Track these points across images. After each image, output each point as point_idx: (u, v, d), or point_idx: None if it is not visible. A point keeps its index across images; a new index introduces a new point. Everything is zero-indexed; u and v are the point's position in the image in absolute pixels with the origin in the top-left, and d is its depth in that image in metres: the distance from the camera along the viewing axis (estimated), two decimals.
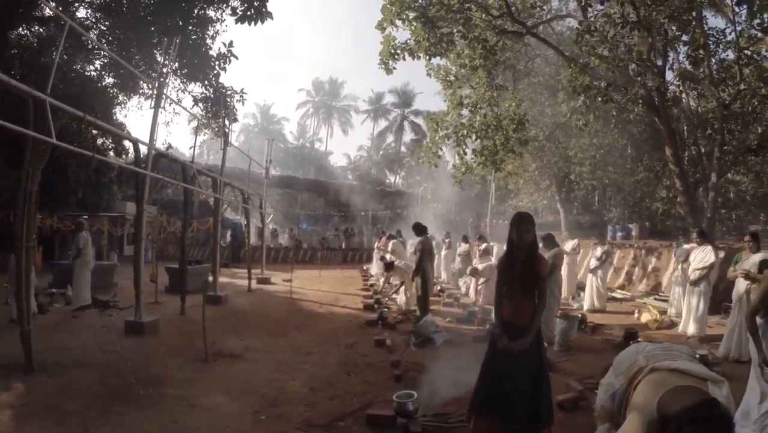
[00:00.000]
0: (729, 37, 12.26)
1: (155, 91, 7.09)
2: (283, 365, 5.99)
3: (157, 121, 7.31)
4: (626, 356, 2.79)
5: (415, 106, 52.10)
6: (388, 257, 14.57)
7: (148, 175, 7.10)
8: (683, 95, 14.23)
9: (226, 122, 11.51)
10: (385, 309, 9.21)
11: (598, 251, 11.23)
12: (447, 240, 16.62)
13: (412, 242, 14.93)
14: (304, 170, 43.12)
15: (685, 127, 15.87)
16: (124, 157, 13.86)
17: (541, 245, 8.56)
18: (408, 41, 11.50)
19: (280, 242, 28.41)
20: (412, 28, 10.73)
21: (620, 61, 11.12)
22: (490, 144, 12.53)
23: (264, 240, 16.11)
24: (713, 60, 12.50)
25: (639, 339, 7.00)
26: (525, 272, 3.54)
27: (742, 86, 11.82)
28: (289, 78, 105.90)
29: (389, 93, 52.59)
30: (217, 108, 11.37)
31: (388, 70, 11.61)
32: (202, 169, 9.63)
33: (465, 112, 12.95)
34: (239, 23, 9.54)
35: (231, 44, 11.10)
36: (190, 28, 11.00)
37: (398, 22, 11.04)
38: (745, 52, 11.71)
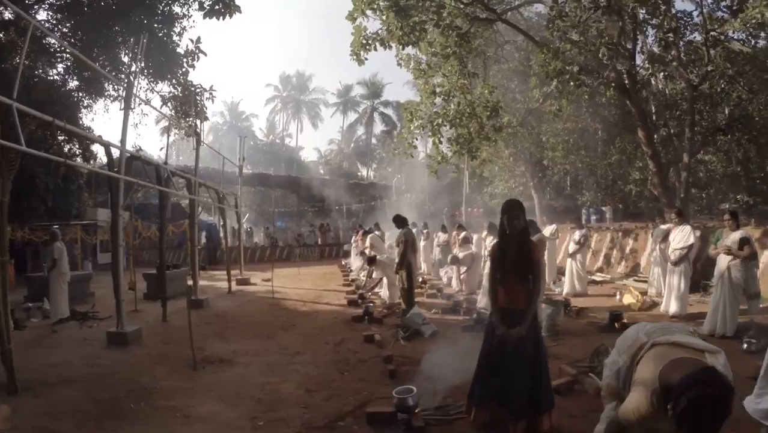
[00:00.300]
0: (696, 20, 12.50)
1: (124, 92, 6.84)
2: (274, 367, 5.91)
3: (127, 122, 7.08)
4: (628, 334, 2.85)
5: (385, 96, 52.02)
6: (367, 252, 14.65)
7: (122, 179, 6.88)
8: (652, 78, 14.47)
9: (197, 121, 11.23)
10: (370, 304, 9.20)
11: (576, 234, 11.36)
12: (425, 231, 16.69)
13: (390, 234, 15.01)
14: (276, 167, 42.56)
15: (654, 109, 16.23)
16: (92, 162, 13.41)
17: None
18: (379, 31, 11.42)
19: (255, 241, 28.10)
20: (384, 17, 10.62)
21: (591, 45, 11.25)
22: (464, 132, 12.59)
23: (241, 240, 15.85)
24: (681, 42, 12.77)
25: (624, 320, 7.17)
26: (518, 258, 3.58)
27: (709, 68, 12.09)
28: (256, 73, 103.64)
29: (358, 85, 52.31)
30: (187, 107, 11.09)
31: (360, 61, 11.51)
32: (176, 171, 9.38)
33: (438, 101, 12.96)
34: (207, 18, 9.30)
35: (199, 40, 10.77)
36: (156, 25, 10.64)
37: (369, 12, 10.93)
38: (712, 34, 11.96)
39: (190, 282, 12.59)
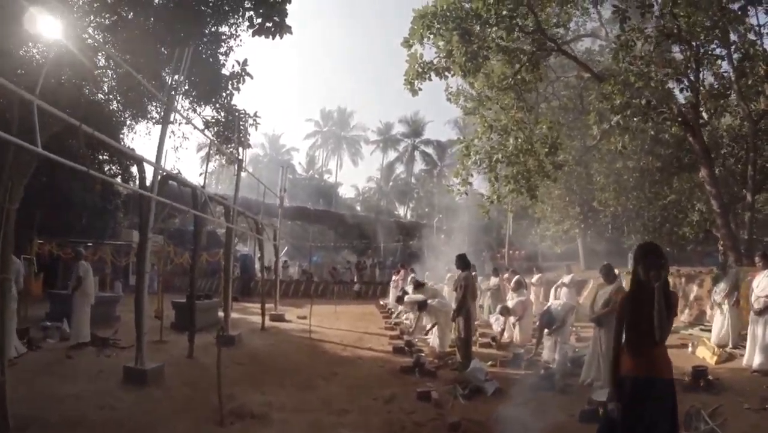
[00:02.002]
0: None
1: (164, 106, 6.21)
2: (318, 429, 4.89)
3: (165, 137, 6.45)
4: None
5: (426, 135, 51.64)
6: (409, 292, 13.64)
7: (154, 199, 6.18)
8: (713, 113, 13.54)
9: (239, 148, 10.64)
10: (421, 354, 8.08)
11: None
12: (473, 273, 15.44)
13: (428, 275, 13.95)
14: (314, 202, 42.35)
15: (713, 146, 15.12)
16: (131, 183, 13.08)
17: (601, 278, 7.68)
18: (435, 60, 10.81)
19: (290, 275, 27.38)
20: (446, 40, 10.00)
21: (658, 77, 10.45)
22: (522, 169, 11.70)
23: (278, 274, 15.05)
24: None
25: (709, 377, 6.41)
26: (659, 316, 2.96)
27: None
28: (298, 107, 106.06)
29: (399, 123, 52.33)
30: (230, 132, 10.54)
31: (414, 91, 10.99)
32: (214, 196, 8.70)
33: (494, 137, 12.18)
34: (256, 36, 8.73)
35: (245, 62, 10.27)
36: (201, 46, 10.22)
37: (426, 39, 10.35)
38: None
39: (221, 313, 11.86)
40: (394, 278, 19.80)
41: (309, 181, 50.06)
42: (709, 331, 10.16)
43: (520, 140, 11.40)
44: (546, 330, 8.46)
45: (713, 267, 12.82)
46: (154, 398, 5.67)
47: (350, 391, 6.36)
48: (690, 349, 8.98)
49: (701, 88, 11.20)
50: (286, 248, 27.64)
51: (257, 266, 26.55)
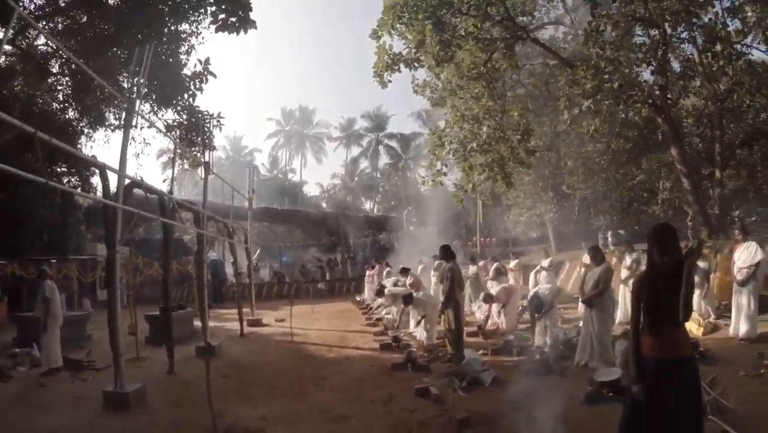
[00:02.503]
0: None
1: (125, 108, 5.74)
2: None
3: (127, 141, 5.99)
4: None
5: (389, 129, 51.37)
6: (389, 286, 13.44)
7: (119, 209, 5.72)
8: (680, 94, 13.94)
9: (206, 151, 10.15)
10: (413, 349, 7.88)
11: (627, 259, 10.30)
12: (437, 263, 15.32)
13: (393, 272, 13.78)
14: (279, 203, 41.54)
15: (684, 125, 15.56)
16: (93, 194, 12.36)
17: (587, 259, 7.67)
18: (405, 51, 10.61)
19: (261, 277, 26.77)
20: (417, 30, 9.79)
21: (632, 61, 10.60)
22: (496, 157, 11.65)
23: (251, 278, 14.57)
24: (706, 56, 12.31)
25: (701, 349, 6.49)
26: (676, 298, 2.92)
27: (732, 81, 11.88)
28: (258, 107, 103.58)
29: (361, 118, 51.86)
30: (194, 134, 10.04)
31: (383, 83, 10.78)
32: (183, 202, 8.23)
33: (465, 126, 12.08)
34: (220, 32, 8.32)
35: (207, 61, 9.80)
36: (161, 47, 9.69)
37: (396, 30, 10.12)
38: (735, 47, 11.50)
39: (197, 323, 11.37)
40: (368, 273, 19.60)
41: (273, 182, 49.05)
42: None
43: (492, 128, 11.33)
44: (536, 314, 8.43)
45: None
46: (139, 423, 5.25)
47: (345, 395, 6.10)
48: None
49: (669, 70, 11.40)
50: (258, 251, 27.01)
51: (229, 270, 25.99)
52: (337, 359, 8.38)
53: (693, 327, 8.46)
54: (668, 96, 11.88)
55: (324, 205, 52.51)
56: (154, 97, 10.38)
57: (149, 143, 11.41)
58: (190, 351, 8.64)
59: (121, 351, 5.71)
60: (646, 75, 11.49)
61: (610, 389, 5.33)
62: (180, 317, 9.78)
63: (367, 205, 53.78)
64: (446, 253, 8.13)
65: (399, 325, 10.35)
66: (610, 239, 20.42)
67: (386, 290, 10.66)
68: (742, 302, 7.62)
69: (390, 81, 10.53)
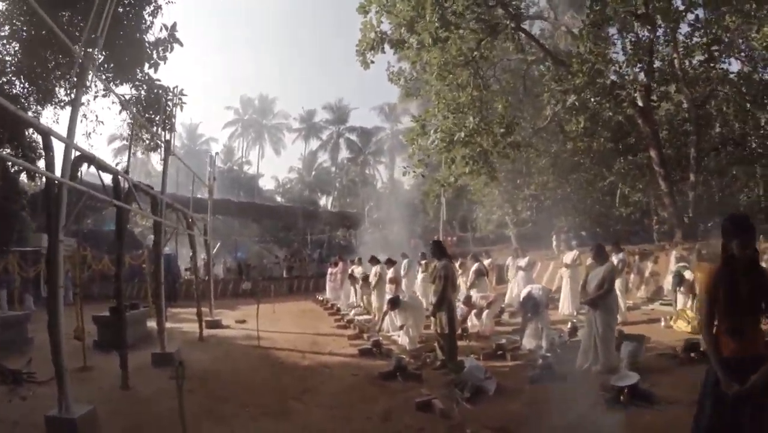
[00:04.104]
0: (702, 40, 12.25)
1: (79, 61, 4.62)
2: None
3: (78, 107, 4.92)
4: None
5: (351, 122, 50.40)
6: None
7: (65, 185, 4.65)
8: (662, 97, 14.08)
9: (166, 129, 8.98)
10: (402, 357, 7.12)
11: (614, 259, 9.96)
12: (423, 261, 14.66)
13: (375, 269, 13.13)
14: (234, 196, 39.82)
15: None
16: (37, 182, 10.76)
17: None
18: (389, 31, 9.86)
19: (215, 273, 25.36)
20: (411, 6, 9.03)
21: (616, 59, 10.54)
22: (479, 149, 11.14)
23: (211, 274, 13.39)
24: (687, 61, 12.44)
25: (701, 349, 6.25)
26: (756, 294, 2.83)
27: (710, 87, 12.27)
28: (216, 94, 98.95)
29: (323, 109, 50.60)
30: (152, 112, 8.87)
31: (366, 63, 10.02)
32: (140, 184, 7.11)
33: (450, 116, 11.51)
34: None
35: (174, 27, 8.60)
36: (121, 9, 8.42)
37: (383, 7, 9.35)
38: (714, 54, 11.79)
39: (151, 324, 10.19)
40: (331, 270, 18.78)
41: (228, 174, 46.98)
42: (669, 305, 10.36)
43: (477, 119, 10.80)
44: (529, 316, 7.93)
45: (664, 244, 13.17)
46: None
47: (335, 412, 5.28)
48: (663, 323, 9.06)
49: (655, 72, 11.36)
50: (218, 244, 25.54)
51: (183, 266, 24.44)
52: (315, 368, 7.50)
53: (682, 325, 8.55)
54: (652, 98, 11.81)
55: (279, 199, 51.09)
56: (110, 65, 9.07)
57: (102, 121, 10.01)
58: (144, 359, 7.53)
59: (66, 368, 4.60)
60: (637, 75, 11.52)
61: (629, 394, 5.01)
62: (132, 318, 8.60)
63: (323, 200, 52.77)
64: (439, 250, 7.46)
65: (380, 328, 9.61)
66: (573, 240, 20.59)
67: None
68: None
69: (373, 62, 9.79)
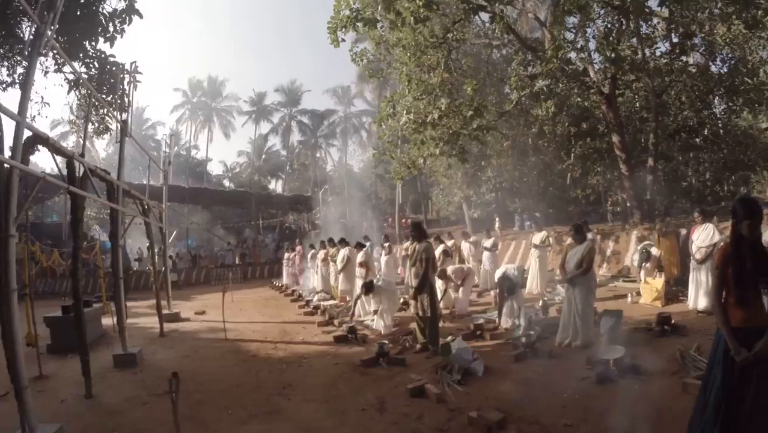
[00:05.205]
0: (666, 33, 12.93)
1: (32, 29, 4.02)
2: None
3: (33, 73, 4.33)
4: None
5: (303, 105, 49.18)
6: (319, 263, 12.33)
7: (17, 169, 4.08)
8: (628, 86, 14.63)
9: (121, 109, 8.25)
10: (385, 342, 6.90)
11: (590, 236, 10.42)
12: (386, 244, 14.50)
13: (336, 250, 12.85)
14: (181, 182, 38.14)
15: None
16: None
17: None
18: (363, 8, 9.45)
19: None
20: None
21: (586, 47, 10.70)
22: (448, 131, 11.06)
23: (167, 265, 12.66)
24: (648, 52, 12.87)
25: (672, 322, 6.78)
26: (760, 269, 3.04)
27: (668, 78, 12.70)
28: (163, 76, 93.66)
29: (275, 92, 49.09)
30: (106, 91, 8.08)
31: (336, 42, 9.58)
32: (96, 169, 6.46)
33: (422, 97, 11.37)
34: None
35: None
36: None
37: None
38: (685, 47, 12.36)
39: (108, 322, 9.56)
40: (287, 256, 18.41)
41: (176, 158, 44.89)
42: (633, 282, 10.82)
43: (448, 101, 10.70)
44: (506, 295, 7.95)
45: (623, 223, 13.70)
46: None
47: (326, 406, 5.02)
48: (629, 299, 9.39)
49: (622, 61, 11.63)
50: (174, 232, 24.34)
51: (135, 256, 23.18)
52: (291, 359, 7.18)
53: (648, 299, 9.00)
54: (617, 86, 12.13)
55: (228, 184, 49.51)
56: (62, 38, 8.13)
57: (48, 103, 8.96)
58: (105, 361, 6.98)
59: (25, 385, 4.05)
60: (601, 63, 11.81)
61: (615, 366, 5.21)
62: (87, 317, 7.93)
63: (273, 184, 51.68)
64: (419, 232, 7.29)
65: (353, 314, 9.40)
66: (526, 221, 21.11)
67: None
68: (701, 278, 8.08)
69: (344, 40, 9.37)
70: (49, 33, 4.07)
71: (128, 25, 7.67)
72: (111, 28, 7.57)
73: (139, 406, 5.18)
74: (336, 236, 15.09)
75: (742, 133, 16.76)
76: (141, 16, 7.68)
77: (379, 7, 8.94)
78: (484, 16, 14.87)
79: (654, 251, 9.50)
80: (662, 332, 6.62)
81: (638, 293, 9.45)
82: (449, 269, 10.09)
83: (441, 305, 9.82)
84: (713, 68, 13.67)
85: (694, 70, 13.38)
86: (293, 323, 10.13)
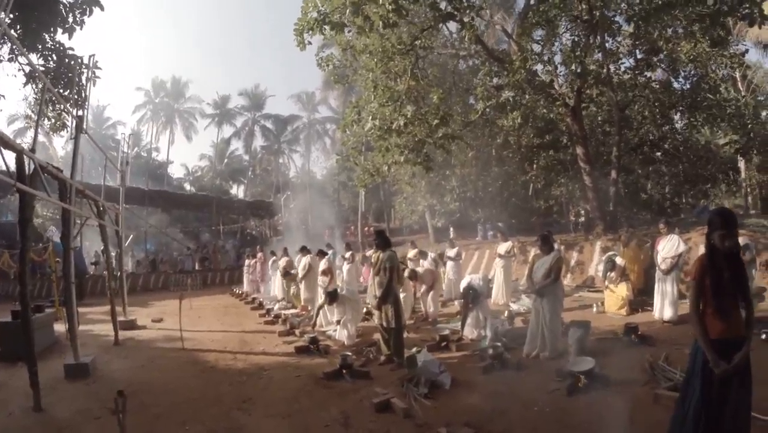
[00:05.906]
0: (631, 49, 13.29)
1: None
2: None
3: None
4: None
5: (267, 110, 48.59)
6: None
7: None
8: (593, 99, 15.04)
9: (77, 105, 7.84)
10: (348, 354, 6.77)
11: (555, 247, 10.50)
12: (348, 253, 14.36)
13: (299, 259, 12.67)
14: (141, 184, 36.89)
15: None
16: None
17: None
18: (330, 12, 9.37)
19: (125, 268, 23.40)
20: None
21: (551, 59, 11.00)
22: (413, 139, 11.09)
23: (123, 269, 12.14)
24: (613, 68, 13.27)
25: (640, 333, 6.91)
26: (736, 281, 3.10)
27: (631, 94, 13.10)
28: (125, 75, 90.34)
29: (239, 96, 48.25)
30: (63, 85, 7.69)
31: (302, 44, 9.46)
32: (48, 165, 6.11)
33: (389, 103, 11.38)
34: None
35: None
36: None
37: None
38: (651, 62, 12.81)
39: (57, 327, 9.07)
40: (248, 262, 18.09)
41: (136, 160, 43.38)
42: (598, 292, 11.08)
43: (414, 109, 10.73)
44: (470, 305, 7.97)
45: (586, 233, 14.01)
46: None
47: (288, 421, 4.83)
48: (595, 309, 9.60)
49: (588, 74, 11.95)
50: (132, 235, 23.43)
51: (92, 259, 22.14)
52: (251, 371, 6.94)
53: (613, 309, 9.16)
54: (582, 99, 12.44)
55: (189, 188, 48.29)
56: (18, 28, 7.68)
57: (3, 95, 8.43)
58: (56, 371, 6.57)
59: None
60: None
61: (586, 378, 5.18)
62: (37, 323, 7.47)
63: (234, 189, 50.75)
64: (383, 240, 7.21)
65: (315, 324, 9.24)
66: (489, 231, 21.38)
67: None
68: (666, 288, 8.25)
69: (310, 43, 9.28)
70: (2, 16, 3.81)
71: (89, 16, 7.34)
72: (70, 19, 7.21)
73: (91, 420, 4.89)
74: (298, 243, 14.87)
75: (702, 148, 17.65)
76: (102, 8, 7.36)
77: (348, 11, 8.89)
78: (452, 26, 15.26)
79: (619, 260, 9.68)
80: (630, 342, 6.76)
81: (603, 303, 9.64)
82: (419, 270, 10.11)
83: (419, 307, 9.88)
84: (676, 84, 14.33)
85: (657, 86, 13.89)
86: (253, 333, 9.88)
